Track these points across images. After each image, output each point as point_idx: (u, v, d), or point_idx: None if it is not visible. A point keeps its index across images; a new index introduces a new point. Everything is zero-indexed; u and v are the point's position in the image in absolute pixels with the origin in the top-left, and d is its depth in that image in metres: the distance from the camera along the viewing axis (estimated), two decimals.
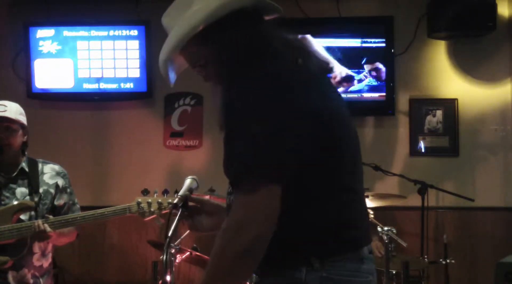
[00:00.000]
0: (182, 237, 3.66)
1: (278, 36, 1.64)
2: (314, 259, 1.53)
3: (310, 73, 1.60)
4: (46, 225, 2.81)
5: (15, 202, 2.92)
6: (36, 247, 2.94)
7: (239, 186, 1.50)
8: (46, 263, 3.01)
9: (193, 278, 4.11)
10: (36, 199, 2.95)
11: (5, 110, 2.92)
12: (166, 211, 2.85)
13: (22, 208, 2.89)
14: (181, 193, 1.97)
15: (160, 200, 2.86)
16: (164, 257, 1.92)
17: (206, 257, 3.61)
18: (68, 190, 3.08)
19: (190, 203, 1.95)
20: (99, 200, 4.42)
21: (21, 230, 2.83)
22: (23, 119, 2.99)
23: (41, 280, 2.97)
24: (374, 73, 4.59)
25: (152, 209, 2.86)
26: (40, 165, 3.05)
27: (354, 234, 1.60)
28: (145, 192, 2.93)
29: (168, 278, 1.95)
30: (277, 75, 1.52)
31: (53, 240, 2.92)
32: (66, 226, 2.92)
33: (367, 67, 4.59)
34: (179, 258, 3.59)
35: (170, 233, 1.86)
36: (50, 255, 3.05)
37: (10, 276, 2.88)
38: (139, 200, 2.90)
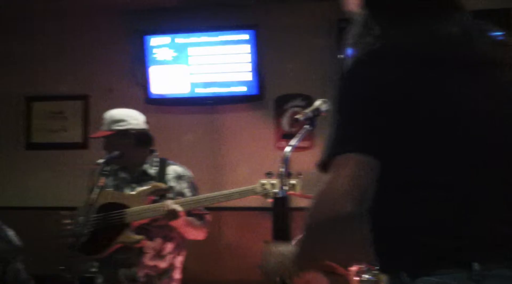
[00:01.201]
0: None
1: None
2: (401, 271, 1.37)
3: (433, 49, 1.41)
4: (176, 205, 2.90)
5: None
6: (148, 247, 3.02)
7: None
8: (163, 264, 3.06)
9: (308, 279, 4.08)
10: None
11: (101, 125, 3.11)
12: (290, 193, 2.83)
13: (155, 190, 3.01)
14: (307, 110, 1.93)
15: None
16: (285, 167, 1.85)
17: None
18: (188, 194, 3.11)
19: None
20: None
21: (154, 210, 2.94)
22: (119, 125, 3.08)
23: (156, 280, 3.03)
24: None
25: (276, 190, 2.86)
26: (166, 166, 3.15)
27: (448, 244, 1.32)
28: (269, 175, 2.92)
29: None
30: (383, 51, 1.41)
31: (181, 226, 2.99)
32: (196, 206, 2.99)
33: None
34: None
35: (294, 142, 1.85)
36: (169, 256, 3.09)
37: (121, 273, 3.00)
38: (263, 181, 2.91)
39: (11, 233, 3.28)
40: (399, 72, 1.38)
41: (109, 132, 3.08)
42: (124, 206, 3.01)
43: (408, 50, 1.41)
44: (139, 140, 3.11)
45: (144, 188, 3.04)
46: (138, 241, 2.95)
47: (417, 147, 1.38)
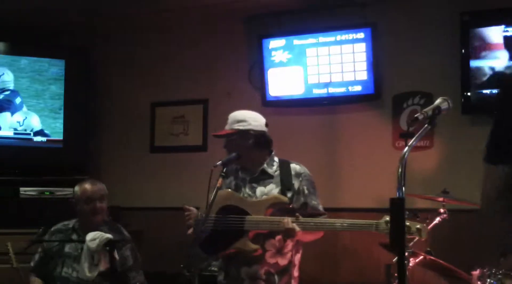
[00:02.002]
0: (414, 240, 3.55)
1: None
2: None
3: None
4: (294, 224, 2.89)
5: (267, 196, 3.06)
6: (269, 245, 3.04)
7: None
8: (283, 261, 3.07)
9: (428, 283, 3.97)
10: (289, 196, 3.06)
11: (225, 125, 3.16)
12: (411, 237, 2.71)
13: (276, 202, 3.02)
14: (427, 108, 1.90)
15: (408, 223, 2.65)
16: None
17: (440, 261, 3.47)
18: (306, 192, 3.11)
19: None
20: (332, 202, 4.48)
21: (272, 224, 2.96)
22: (240, 125, 3.12)
23: (276, 277, 3.04)
24: None
25: None
26: (287, 165, 3.16)
27: None
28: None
29: None
30: None
31: (298, 237, 3.00)
32: (313, 230, 2.99)
33: None
34: (412, 261, 3.49)
35: (412, 142, 1.82)
36: (290, 254, 3.09)
37: (243, 271, 3.03)
38: (388, 218, 2.65)
39: (122, 228, 3.64)
40: None
41: (230, 131, 3.16)
42: (244, 212, 3.06)
43: None
44: (258, 142, 3.16)
45: (265, 198, 3.08)
46: (254, 250, 3.00)
47: None
